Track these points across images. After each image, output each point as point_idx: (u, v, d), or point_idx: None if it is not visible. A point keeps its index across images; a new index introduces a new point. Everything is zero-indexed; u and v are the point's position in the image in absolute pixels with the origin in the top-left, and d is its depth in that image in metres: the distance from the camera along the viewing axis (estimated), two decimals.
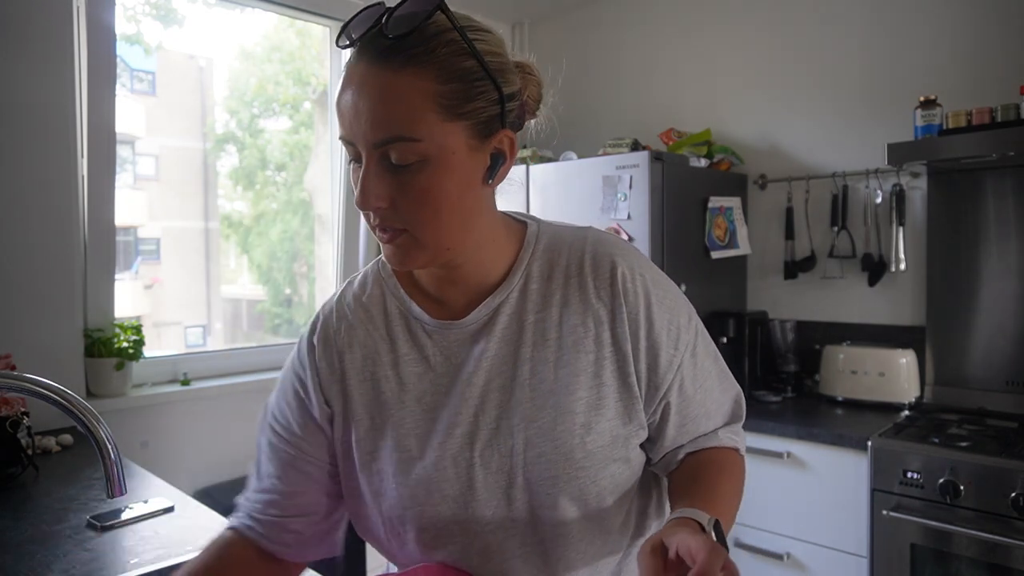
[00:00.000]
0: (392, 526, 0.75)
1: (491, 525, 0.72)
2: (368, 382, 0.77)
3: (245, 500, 0.83)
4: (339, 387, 0.77)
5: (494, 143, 0.69)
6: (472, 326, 0.75)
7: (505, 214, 0.80)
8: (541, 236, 0.79)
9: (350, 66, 0.66)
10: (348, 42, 0.66)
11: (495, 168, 0.70)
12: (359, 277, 0.83)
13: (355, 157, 0.67)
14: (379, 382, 0.76)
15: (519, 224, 0.80)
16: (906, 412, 2.09)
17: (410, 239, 0.68)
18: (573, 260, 0.76)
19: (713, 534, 0.63)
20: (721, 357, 0.83)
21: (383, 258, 0.78)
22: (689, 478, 0.77)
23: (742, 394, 0.85)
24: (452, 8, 0.67)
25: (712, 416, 0.80)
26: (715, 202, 2.43)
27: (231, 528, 0.82)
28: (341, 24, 2.69)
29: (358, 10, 0.66)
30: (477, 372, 0.74)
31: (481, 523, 0.72)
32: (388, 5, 0.66)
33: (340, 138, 0.68)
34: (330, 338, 0.79)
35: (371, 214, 0.68)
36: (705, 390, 0.79)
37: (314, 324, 0.82)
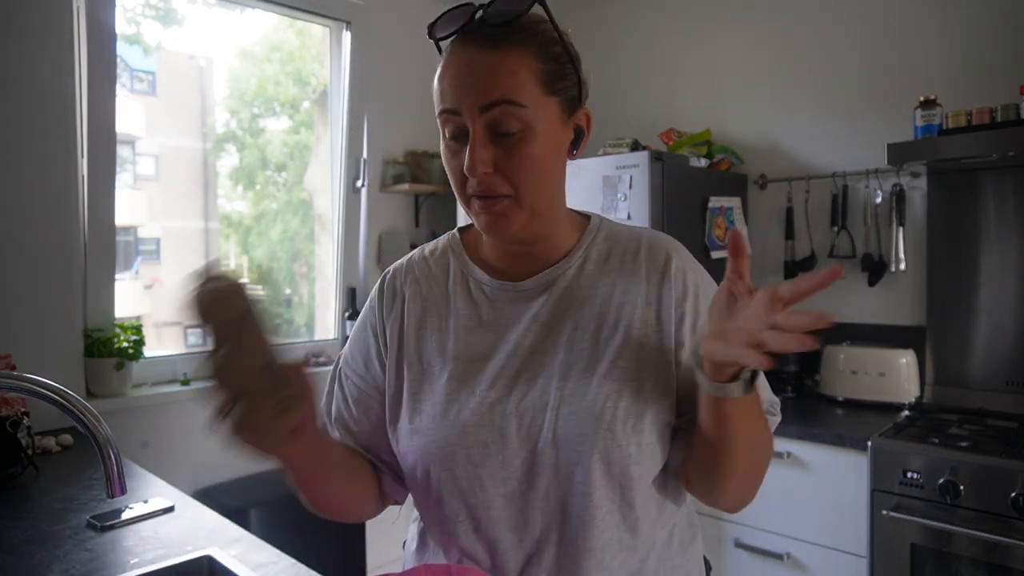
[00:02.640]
0: (425, 466, 0.80)
1: (517, 473, 0.77)
2: (423, 330, 0.85)
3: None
4: (398, 331, 0.86)
5: (575, 120, 0.79)
6: (528, 291, 0.82)
7: (570, 208, 0.88)
8: (602, 228, 0.86)
9: (454, 51, 0.74)
10: (446, 33, 0.75)
11: (578, 142, 0.80)
12: (431, 243, 0.92)
13: (455, 133, 0.74)
14: (433, 332, 0.84)
15: (583, 216, 0.89)
16: (906, 412, 2.09)
17: (511, 204, 0.74)
18: (630, 248, 0.84)
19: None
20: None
21: (455, 231, 0.91)
22: None
23: (779, 402, 0.87)
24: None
25: None
26: (715, 202, 2.43)
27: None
28: (342, 24, 2.67)
29: (446, 10, 0.75)
30: (526, 334, 0.80)
31: (509, 471, 0.77)
32: (475, 3, 0.75)
33: (442, 112, 0.75)
34: (396, 287, 0.88)
35: (471, 183, 0.74)
36: None
37: (384, 276, 0.91)
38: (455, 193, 0.78)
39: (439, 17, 0.76)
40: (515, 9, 0.72)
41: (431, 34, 0.77)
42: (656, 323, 0.79)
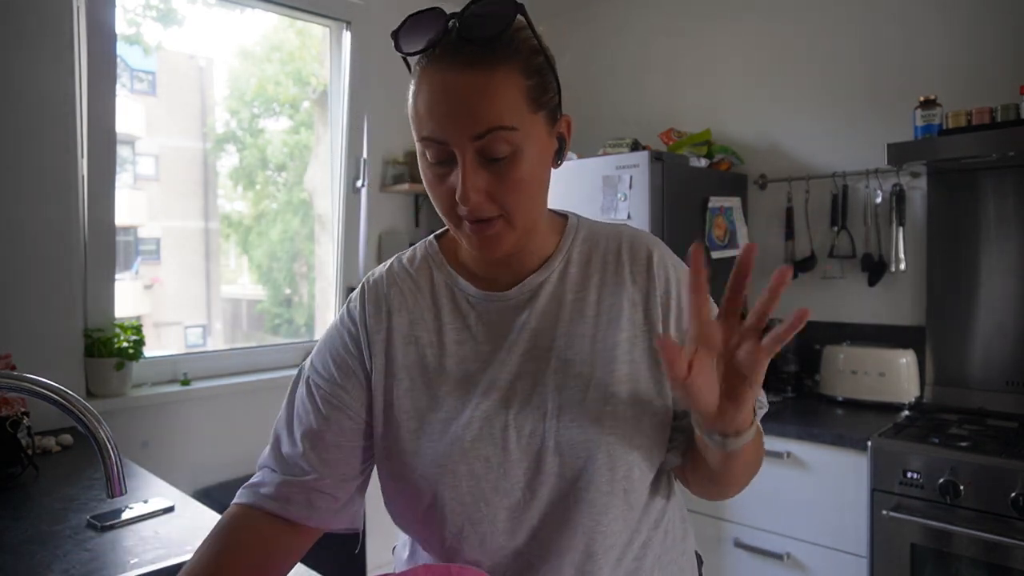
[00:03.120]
0: (429, 486, 0.76)
1: (520, 484, 0.75)
2: (412, 345, 0.81)
3: (268, 463, 0.83)
4: (384, 346, 0.81)
5: (557, 129, 0.76)
6: (514, 300, 0.81)
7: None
8: (581, 227, 0.85)
9: (430, 71, 0.69)
10: (420, 48, 0.69)
11: (561, 151, 0.78)
12: (407, 253, 0.88)
13: (440, 158, 0.70)
14: (422, 346, 0.81)
15: (560, 216, 0.87)
16: (906, 412, 2.09)
17: (504, 224, 0.72)
18: (611, 247, 0.83)
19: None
20: None
21: (431, 239, 0.88)
22: None
23: (763, 393, 0.86)
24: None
25: None
26: (715, 202, 2.43)
27: (239, 504, 0.81)
28: (342, 24, 2.65)
29: (410, 15, 0.70)
30: (517, 342, 0.79)
31: (512, 482, 0.75)
32: (443, 9, 0.69)
33: (424, 138, 0.70)
34: (380, 299, 0.83)
35: (461, 208, 0.70)
36: None
37: (363, 287, 0.86)
38: (441, 215, 0.74)
39: (403, 24, 0.70)
40: (497, 24, 0.67)
41: (397, 47, 0.70)
42: (644, 322, 0.79)
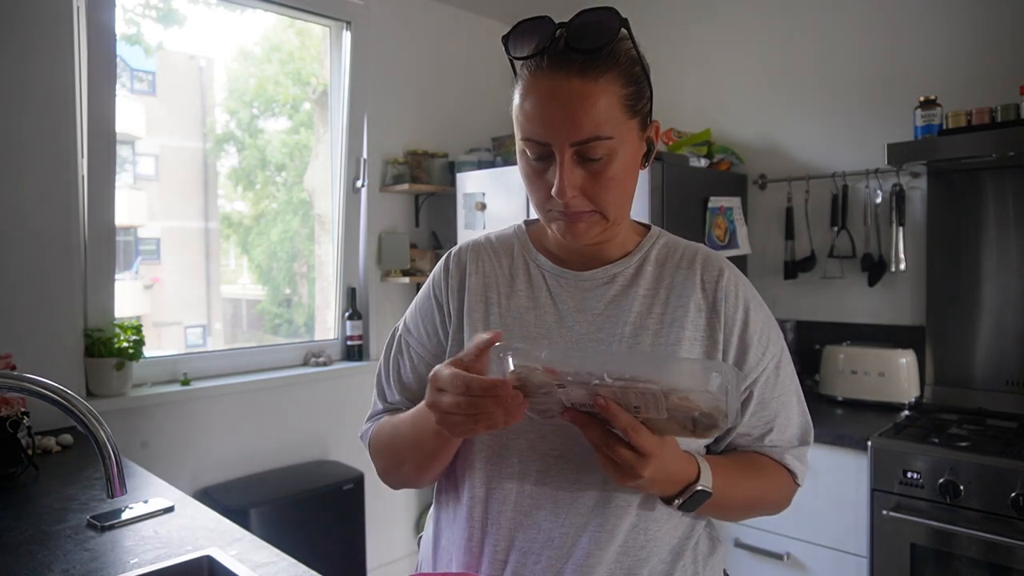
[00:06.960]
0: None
1: (552, 453, 0.80)
2: (482, 303, 0.88)
3: (376, 409, 0.97)
4: (458, 299, 0.90)
5: (647, 133, 0.82)
6: (588, 282, 0.86)
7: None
8: (662, 236, 0.91)
9: (539, 75, 0.74)
10: (527, 53, 0.74)
11: (649, 154, 0.84)
12: (500, 230, 0.97)
13: (540, 155, 0.77)
14: (491, 305, 0.88)
15: (643, 225, 0.94)
16: (906, 412, 2.09)
17: (595, 217, 0.79)
18: (687, 256, 0.88)
19: (691, 490, 0.76)
20: (801, 390, 0.92)
21: (520, 223, 0.96)
22: (733, 457, 0.88)
23: (812, 425, 0.92)
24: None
25: (784, 428, 0.87)
26: (715, 202, 2.43)
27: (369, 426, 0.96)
28: (342, 24, 2.64)
29: (519, 22, 0.75)
30: (582, 322, 0.84)
31: (546, 447, 0.80)
32: (552, 18, 0.75)
33: (526, 139, 0.77)
34: (462, 261, 0.92)
35: (555, 202, 0.77)
36: (782, 403, 0.86)
37: (449, 252, 0.95)
38: (535, 207, 0.81)
39: (512, 29, 0.76)
40: (604, 35, 0.72)
41: (507, 50, 0.76)
42: (706, 327, 0.83)
